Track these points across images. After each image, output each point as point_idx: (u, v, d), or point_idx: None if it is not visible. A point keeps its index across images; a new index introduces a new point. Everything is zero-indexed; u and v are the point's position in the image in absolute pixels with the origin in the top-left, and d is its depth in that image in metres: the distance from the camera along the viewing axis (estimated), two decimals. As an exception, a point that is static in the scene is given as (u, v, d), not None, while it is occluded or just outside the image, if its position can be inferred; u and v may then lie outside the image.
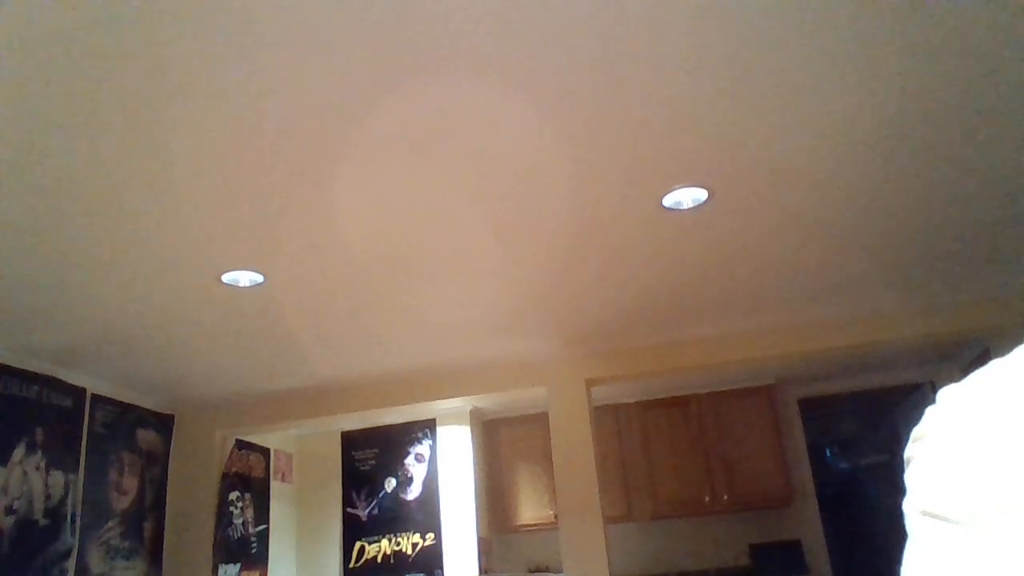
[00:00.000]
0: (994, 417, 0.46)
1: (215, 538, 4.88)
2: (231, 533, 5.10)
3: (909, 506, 0.50)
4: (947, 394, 0.51)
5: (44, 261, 2.85)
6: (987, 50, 2.08)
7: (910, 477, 0.51)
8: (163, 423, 4.94)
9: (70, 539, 4.01)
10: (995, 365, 0.49)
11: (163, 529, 4.81)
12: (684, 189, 2.74)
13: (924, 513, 0.48)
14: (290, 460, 6.07)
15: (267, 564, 5.49)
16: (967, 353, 5.40)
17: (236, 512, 5.18)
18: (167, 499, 4.87)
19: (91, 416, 4.28)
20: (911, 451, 0.52)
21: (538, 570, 5.88)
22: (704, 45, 1.97)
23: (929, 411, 0.52)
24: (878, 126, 2.43)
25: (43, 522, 3.83)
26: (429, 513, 5.63)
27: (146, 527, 4.65)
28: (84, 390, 4.25)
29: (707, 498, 5.70)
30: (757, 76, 2.12)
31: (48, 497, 3.88)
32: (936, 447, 0.49)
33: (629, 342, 4.60)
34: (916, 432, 0.52)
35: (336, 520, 5.87)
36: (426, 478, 5.72)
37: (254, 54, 1.86)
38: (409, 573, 5.55)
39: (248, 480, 5.39)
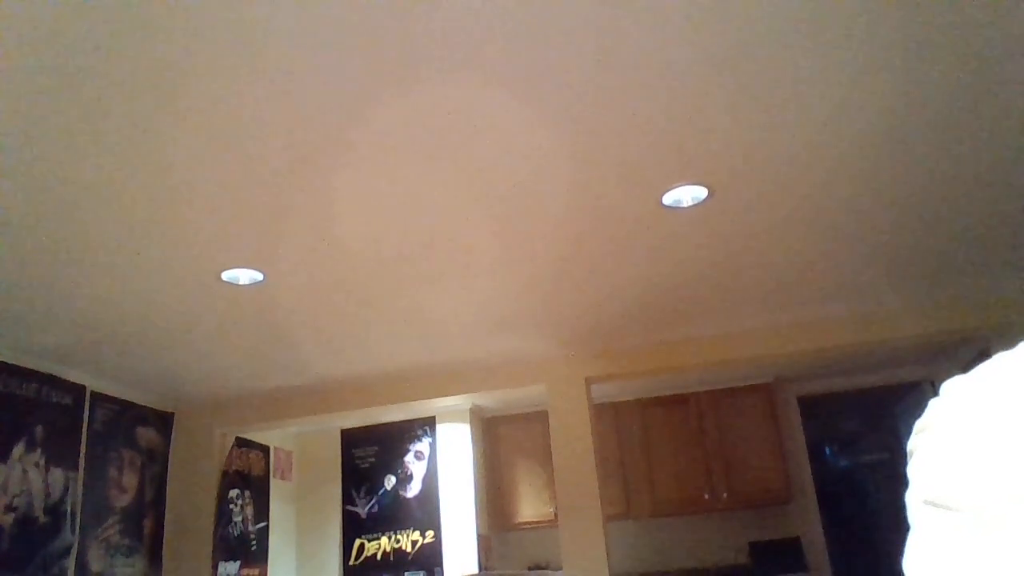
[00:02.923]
0: (997, 409, 0.46)
1: (215, 536, 4.88)
2: (231, 531, 5.10)
3: (912, 497, 0.50)
4: (950, 386, 0.51)
5: (44, 260, 2.85)
6: (988, 49, 2.08)
7: (913, 468, 0.51)
8: (163, 421, 4.94)
9: (70, 537, 4.01)
10: (999, 358, 0.49)
11: (163, 527, 4.81)
12: (684, 187, 2.74)
13: (926, 502, 0.48)
14: (290, 458, 6.08)
15: (267, 562, 5.49)
16: (967, 352, 5.40)
17: (236, 510, 5.19)
18: (167, 497, 4.87)
19: (91, 414, 4.28)
20: (914, 443, 0.52)
21: (538, 568, 5.88)
22: (704, 44, 1.97)
23: (932, 403, 0.52)
24: (878, 125, 2.43)
25: (43, 520, 3.84)
26: (429, 511, 5.63)
27: (146, 525, 4.66)
28: (84, 388, 4.25)
29: (707, 496, 5.70)
30: (757, 75, 2.12)
31: (48, 495, 3.89)
32: (939, 438, 0.49)
33: (629, 340, 4.60)
34: (919, 424, 0.52)
35: (336, 518, 5.87)
36: (426, 476, 5.72)
37: (255, 53, 1.86)
38: (409, 571, 5.56)
39: (248, 478, 5.40)
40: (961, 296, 4.30)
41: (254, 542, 5.37)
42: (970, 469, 0.45)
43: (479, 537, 5.51)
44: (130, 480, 4.56)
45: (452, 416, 5.77)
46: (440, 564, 5.49)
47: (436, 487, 5.67)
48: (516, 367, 4.87)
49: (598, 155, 2.47)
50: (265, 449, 5.70)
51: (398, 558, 5.61)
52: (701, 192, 2.78)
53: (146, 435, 4.76)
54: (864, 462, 7.30)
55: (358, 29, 1.81)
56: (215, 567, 4.84)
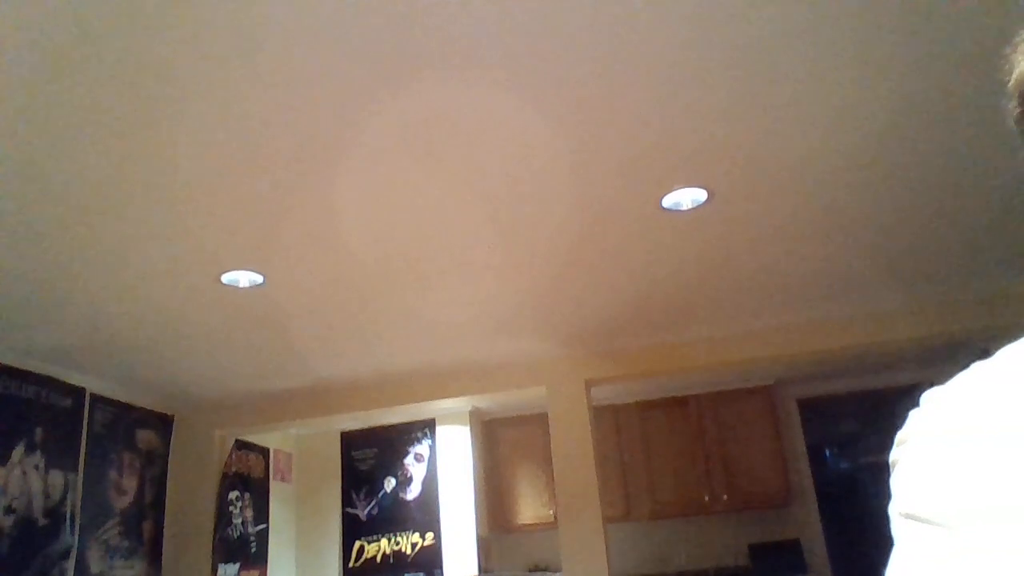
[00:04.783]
0: (975, 420, 0.46)
1: (214, 538, 4.88)
2: (230, 533, 5.09)
3: (893, 509, 0.50)
4: (929, 396, 0.51)
5: (44, 261, 2.85)
6: (987, 50, 2.08)
7: (894, 481, 0.51)
8: (163, 423, 4.94)
9: (69, 539, 4.01)
10: (977, 368, 0.49)
11: (162, 529, 4.81)
12: (684, 190, 2.74)
13: (905, 516, 0.48)
14: (289, 460, 6.07)
15: (266, 564, 5.49)
16: (967, 354, 5.40)
17: (235, 512, 5.18)
18: (166, 499, 4.87)
19: (90, 416, 4.28)
20: (895, 455, 0.52)
21: (537, 570, 5.88)
22: (704, 46, 1.97)
23: (912, 414, 0.51)
24: (877, 126, 2.43)
25: (42, 522, 3.83)
26: (428, 513, 5.63)
27: (145, 527, 4.65)
28: (83, 390, 4.24)
29: (706, 498, 5.70)
30: (757, 77, 2.12)
31: (47, 497, 3.88)
32: (918, 450, 0.49)
33: (629, 342, 4.60)
34: (899, 436, 0.52)
35: (335, 520, 5.87)
36: (425, 478, 5.72)
37: (255, 54, 1.86)
38: (408, 573, 5.55)
39: (247, 480, 5.39)
40: (961, 298, 4.30)
41: (254, 544, 5.37)
42: (947, 482, 0.45)
43: (479, 539, 5.51)
44: (130, 482, 4.56)
45: (452, 418, 5.76)
46: (440, 566, 5.49)
47: (436, 489, 5.67)
48: (516, 369, 4.87)
49: (598, 157, 2.48)
50: (265, 451, 5.69)
51: (398, 560, 5.61)
52: (701, 194, 2.78)
53: (146, 437, 4.76)
54: (864, 464, 7.30)
55: (358, 29, 1.82)
56: (215, 569, 4.83)
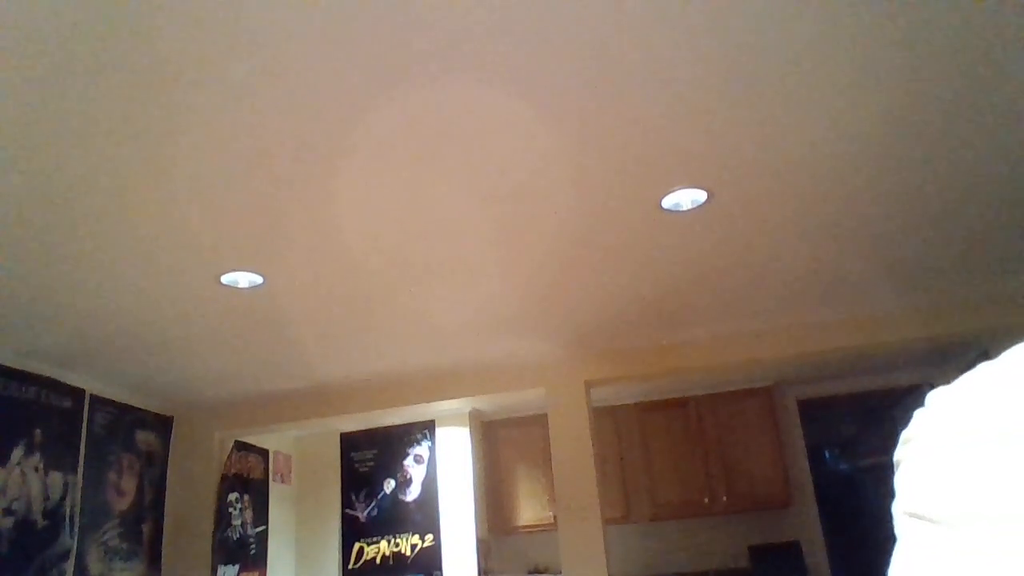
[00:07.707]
0: (981, 422, 0.46)
1: (214, 539, 4.87)
2: (230, 534, 5.09)
3: (897, 508, 0.50)
4: (936, 397, 0.51)
5: (44, 262, 2.85)
6: (987, 51, 2.08)
7: (899, 480, 0.51)
8: (162, 424, 4.93)
9: (69, 540, 4.00)
10: (984, 368, 0.49)
11: (162, 530, 4.80)
12: (683, 190, 2.74)
13: (910, 514, 0.48)
14: (289, 461, 6.07)
15: (266, 565, 5.48)
16: (967, 354, 5.40)
17: (235, 513, 5.18)
18: (166, 500, 4.87)
19: (90, 417, 4.28)
20: (900, 454, 0.52)
21: (537, 571, 5.88)
22: (703, 46, 1.97)
23: (918, 414, 0.52)
24: (878, 127, 2.43)
25: (42, 523, 3.83)
26: (428, 514, 5.62)
27: (145, 528, 4.65)
28: (83, 391, 4.24)
29: (706, 499, 5.70)
30: (757, 77, 2.12)
31: (47, 498, 3.88)
32: (924, 450, 0.49)
33: (628, 343, 4.60)
34: (905, 435, 0.52)
35: (335, 521, 5.87)
36: (425, 479, 5.71)
37: (255, 55, 1.86)
38: (408, 574, 5.55)
39: (247, 481, 5.39)
40: (961, 299, 4.30)
41: (253, 546, 5.36)
42: (952, 483, 0.46)
43: (478, 541, 5.50)
44: (129, 484, 4.56)
45: (451, 419, 5.76)
46: (439, 568, 5.49)
47: (435, 491, 5.66)
48: (515, 370, 4.87)
49: (597, 158, 2.48)
50: (264, 453, 5.69)
51: (397, 562, 5.60)
52: (700, 195, 2.78)
53: (145, 438, 4.76)
54: (864, 465, 7.30)
55: (358, 30, 1.82)
56: (214, 570, 4.83)
